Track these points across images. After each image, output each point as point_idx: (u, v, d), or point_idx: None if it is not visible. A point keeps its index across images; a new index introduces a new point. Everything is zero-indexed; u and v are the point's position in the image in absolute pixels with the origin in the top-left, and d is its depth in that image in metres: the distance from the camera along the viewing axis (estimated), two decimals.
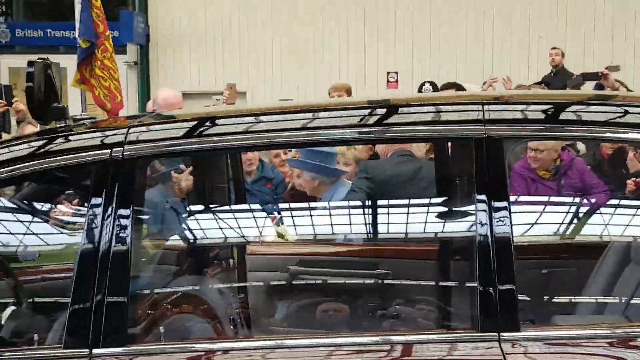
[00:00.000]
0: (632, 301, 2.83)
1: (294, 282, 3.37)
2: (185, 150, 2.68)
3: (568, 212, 3.57)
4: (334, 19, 14.68)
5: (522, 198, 4.46)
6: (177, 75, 14.85)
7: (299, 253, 3.44)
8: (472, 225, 2.40)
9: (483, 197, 2.37)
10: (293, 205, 4.40)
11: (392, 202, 3.91)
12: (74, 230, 3.04)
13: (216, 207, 3.68)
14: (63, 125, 2.86)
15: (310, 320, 3.20)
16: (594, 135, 2.63)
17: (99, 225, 2.44)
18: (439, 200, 3.20)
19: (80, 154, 2.58)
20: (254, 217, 3.82)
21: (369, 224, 3.38)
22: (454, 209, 2.89)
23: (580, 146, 6.09)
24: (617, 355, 2.33)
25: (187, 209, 3.81)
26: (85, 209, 2.49)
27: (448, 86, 6.88)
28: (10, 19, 17.40)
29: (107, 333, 2.39)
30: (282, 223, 3.72)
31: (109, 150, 2.53)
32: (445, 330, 2.86)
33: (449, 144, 3.09)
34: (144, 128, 2.74)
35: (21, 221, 3.27)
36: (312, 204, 4.31)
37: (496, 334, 2.31)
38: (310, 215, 4.15)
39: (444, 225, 3.07)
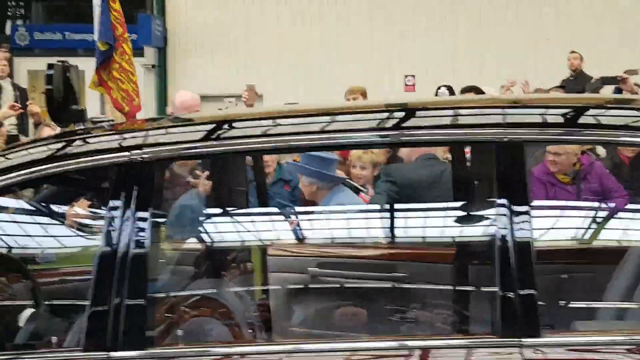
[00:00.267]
0: None
1: (313, 285, 3.36)
2: (204, 153, 2.68)
3: (587, 216, 3.54)
4: (351, 21, 14.68)
5: (542, 202, 4.43)
6: (194, 77, 14.88)
7: (318, 255, 3.43)
8: (493, 230, 2.38)
9: (504, 201, 2.36)
10: (311, 207, 4.38)
11: (416, 205, 3.89)
12: (92, 233, 3.05)
13: (235, 209, 3.67)
14: (82, 127, 2.86)
15: (329, 324, 3.19)
16: (614, 139, 2.62)
17: (118, 228, 2.44)
18: (461, 204, 3.18)
19: (99, 157, 2.59)
20: (273, 220, 3.81)
21: (392, 227, 3.37)
22: (474, 213, 2.87)
23: (600, 150, 6.04)
24: None
25: (207, 211, 3.81)
26: (104, 211, 2.50)
27: (467, 89, 6.85)
28: (28, 22, 17.52)
29: (126, 336, 2.39)
30: (299, 228, 3.71)
31: (128, 153, 2.53)
32: (465, 335, 2.84)
33: (470, 148, 3.08)
34: (163, 131, 2.74)
35: (40, 223, 3.28)
36: (332, 207, 4.30)
37: (517, 339, 2.29)
38: (328, 219, 4.14)
39: (465, 229, 3.05)
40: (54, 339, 2.74)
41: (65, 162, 2.62)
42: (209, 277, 3.48)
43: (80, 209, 3.30)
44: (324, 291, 3.36)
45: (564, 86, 10.29)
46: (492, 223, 2.39)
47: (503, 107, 2.53)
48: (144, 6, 15.29)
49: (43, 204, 3.29)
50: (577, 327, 2.63)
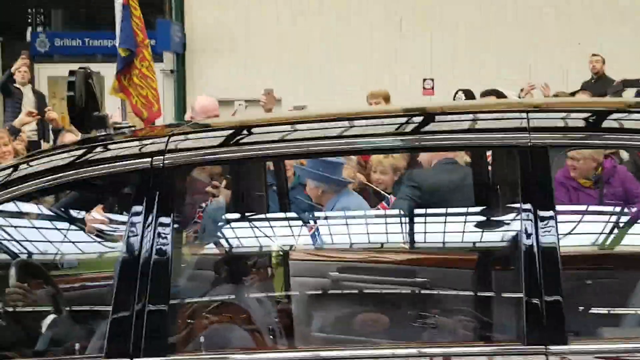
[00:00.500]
0: None
1: (334, 291, 3.34)
2: (225, 158, 2.68)
3: (611, 221, 3.50)
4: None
5: (564, 207, 4.38)
6: (213, 83, 14.91)
7: (340, 260, 3.41)
8: (517, 235, 2.36)
9: (528, 206, 2.33)
10: (332, 212, 4.37)
11: (440, 210, 3.87)
12: (114, 239, 3.05)
13: (256, 214, 3.67)
14: (104, 134, 2.86)
15: (350, 330, 3.17)
16: (638, 143, 2.58)
17: (140, 234, 2.44)
18: (485, 209, 3.15)
19: (121, 163, 2.59)
20: (291, 225, 3.80)
21: (415, 232, 3.34)
22: (498, 218, 2.84)
23: (624, 154, 5.98)
24: None
25: (227, 217, 3.80)
26: (126, 217, 2.49)
27: (488, 93, 6.80)
28: (49, 29, 17.65)
29: (148, 343, 2.38)
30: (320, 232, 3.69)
31: (149, 159, 2.52)
32: (489, 342, 2.81)
33: (494, 152, 3.05)
34: (184, 136, 2.74)
35: (62, 229, 3.28)
36: (352, 212, 4.29)
37: (543, 346, 2.26)
38: (346, 224, 4.12)
39: (489, 234, 3.02)
40: (76, 346, 2.73)
41: (88, 168, 2.62)
42: (231, 283, 3.47)
43: (102, 215, 3.30)
44: (346, 297, 3.34)
45: (587, 89, 10.22)
46: (517, 228, 2.36)
47: (528, 111, 2.50)
48: (163, 12, 15.35)
49: (66, 210, 3.30)
50: (603, 334, 2.60)
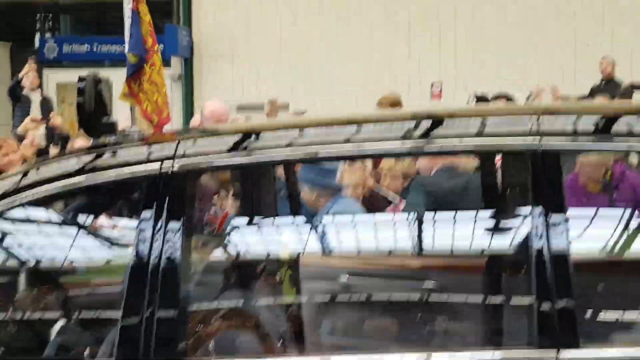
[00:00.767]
0: None
1: (344, 297, 3.33)
2: (235, 163, 2.68)
3: (621, 225, 3.48)
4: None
5: (575, 211, 4.37)
6: (220, 87, 14.95)
7: (351, 266, 3.40)
8: (528, 240, 2.35)
9: (540, 210, 2.32)
10: (342, 216, 4.36)
11: (451, 215, 3.86)
12: (124, 244, 3.05)
13: (267, 220, 3.66)
14: (113, 139, 2.87)
15: (360, 336, 3.16)
16: None
17: (149, 239, 2.44)
18: (496, 214, 3.14)
19: (130, 168, 2.59)
20: (301, 230, 3.79)
21: (426, 238, 3.33)
22: (510, 223, 2.83)
23: (634, 159, 5.96)
24: None
25: (239, 223, 3.80)
26: (136, 222, 2.49)
27: (498, 97, 6.80)
28: (57, 34, 17.71)
29: (157, 348, 2.38)
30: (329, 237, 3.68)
31: (159, 164, 2.52)
32: (500, 347, 2.80)
33: (503, 156, 3.04)
34: (193, 141, 2.73)
35: (71, 235, 3.28)
36: (364, 216, 4.29)
37: (555, 351, 2.25)
38: (355, 229, 4.11)
39: (500, 239, 3.01)
40: (86, 351, 2.74)
41: (97, 173, 2.63)
42: (240, 289, 3.46)
43: (111, 220, 3.30)
44: (356, 302, 3.32)
45: (596, 92, 10.20)
46: (528, 233, 2.35)
47: (538, 115, 2.49)
48: (170, 16, 15.39)
49: (75, 215, 3.30)
50: (615, 339, 2.58)
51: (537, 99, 9.35)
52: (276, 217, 3.72)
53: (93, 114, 2.82)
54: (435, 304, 3.11)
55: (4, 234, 2.96)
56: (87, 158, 2.76)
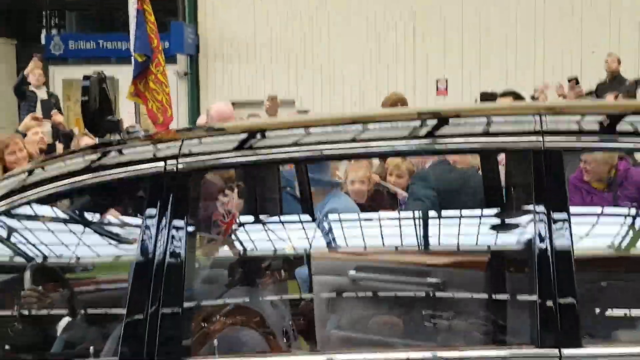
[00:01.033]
0: None
1: (350, 294, 3.34)
2: (239, 162, 2.68)
3: (625, 223, 3.48)
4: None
5: (578, 210, 4.37)
6: (226, 85, 14.97)
7: (356, 261, 3.41)
8: (531, 238, 2.35)
9: (542, 209, 2.33)
10: (347, 213, 4.37)
11: (454, 212, 3.86)
12: (128, 243, 3.06)
13: (272, 218, 3.68)
14: (118, 138, 2.88)
15: (364, 333, 3.17)
16: None
17: (154, 238, 2.45)
18: (499, 212, 3.14)
19: (134, 167, 2.60)
20: (308, 227, 3.80)
21: (430, 233, 3.34)
22: (513, 221, 2.84)
23: (638, 156, 5.95)
24: None
25: (242, 221, 3.81)
26: (140, 221, 2.50)
27: (505, 94, 6.76)
28: (63, 31, 17.74)
29: (162, 345, 2.39)
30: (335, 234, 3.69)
31: (163, 163, 2.53)
32: (503, 345, 2.80)
33: (507, 155, 3.04)
34: (197, 140, 2.74)
35: (77, 233, 3.30)
36: (368, 214, 4.29)
37: (557, 349, 2.26)
38: (361, 226, 4.12)
39: (503, 237, 3.02)
40: (91, 349, 2.75)
41: (101, 172, 2.63)
42: (245, 286, 3.48)
43: (116, 218, 3.32)
44: (362, 299, 3.34)
45: (602, 90, 10.18)
46: (531, 231, 2.36)
47: (541, 114, 2.49)
48: (176, 14, 15.40)
49: (80, 214, 3.31)
50: (618, 337, 2.59)
51: (541, 96, 9.33)
52: (280, 216, 3.73)
53: (97, 112, 2.83)
54: (436, 302, 3.12)
55: (11, 231, 2.97)
56: (92, 156, 2.77)
